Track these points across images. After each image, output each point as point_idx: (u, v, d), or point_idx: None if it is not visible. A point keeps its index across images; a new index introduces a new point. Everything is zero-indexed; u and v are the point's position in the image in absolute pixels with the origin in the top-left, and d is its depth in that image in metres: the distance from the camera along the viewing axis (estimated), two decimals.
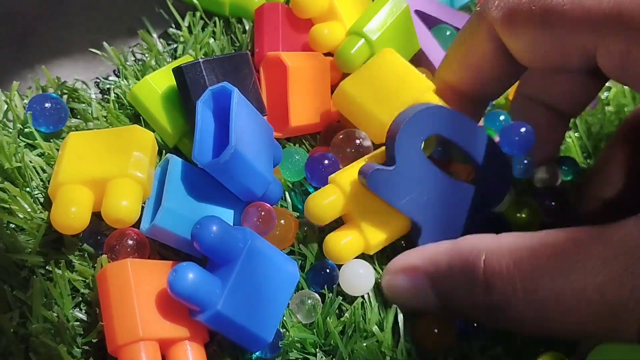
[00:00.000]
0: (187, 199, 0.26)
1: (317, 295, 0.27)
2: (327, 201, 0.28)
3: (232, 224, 0.27)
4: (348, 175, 0.28)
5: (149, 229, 0.25)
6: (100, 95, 0.34)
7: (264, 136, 0.28)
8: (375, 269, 0.28)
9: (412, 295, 0.26)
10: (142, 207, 0.27)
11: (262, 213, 0.26)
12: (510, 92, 0.36)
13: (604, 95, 0.38)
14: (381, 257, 0.29)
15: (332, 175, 0.28)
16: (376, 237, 0.28)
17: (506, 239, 0.24)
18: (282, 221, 0.28)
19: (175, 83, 0.30)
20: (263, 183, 0.27)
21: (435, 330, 0.26)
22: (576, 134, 0.37)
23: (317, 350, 0.27)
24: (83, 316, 0.27)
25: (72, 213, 0.25)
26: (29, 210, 0.28)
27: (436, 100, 0.31)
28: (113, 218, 0.25)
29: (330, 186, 0.28)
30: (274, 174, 0.29)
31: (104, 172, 0.26)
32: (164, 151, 0.31)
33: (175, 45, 0.36)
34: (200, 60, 0.28)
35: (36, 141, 0.30)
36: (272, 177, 0.28)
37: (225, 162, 0.25)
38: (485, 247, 0.24)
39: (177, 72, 0.29)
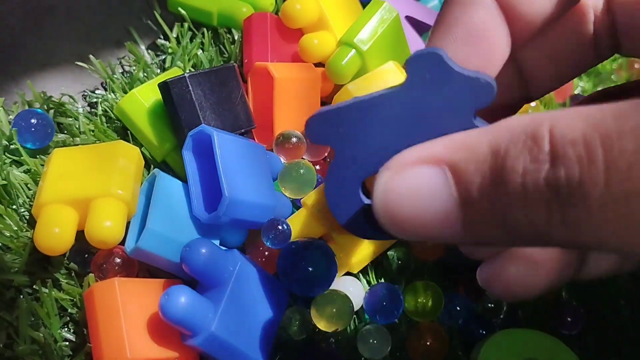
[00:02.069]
0: (173, 218, 0.25)
1: (308, 310, 0.27)
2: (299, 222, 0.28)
3: (218, 243, 0.26)
4: (320, 196, 0.28)
5: (133, 250, 0.25)
6: (88, 109, 0.34)
7: (256, 161, 0.28)
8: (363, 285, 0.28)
9: (421, 199, 0.17)
10: (129, 224, 0.27)
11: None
12: None
13: None
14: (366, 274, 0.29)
15: (304, 198, 0.28)
16: (358, 254, 0.27)
17: (574, 109, 0.16)
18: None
19: (161, 95, 0.29)
20: (267, 211, 0.27)
21: (428, 343, 0.26)
22: None
23: None
24: (71, 336, 0.26)
25: (56, 234, 0.24)
26: (15, 228, 0.28)
27: None
28: (96, 239, 0.24)
29: (302, 210, 0.28)
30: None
31: (88, 191, 0.25)
32: (151, 165, 0.31)
33: (163, 57, 0.36)
34: (186, 74, 0.28)
35: (22, 158, 0.30)
36: (275, 199, 0.28)
37: (224, 214, 0.25)
38: (549, 116, 0.16)
39: (163, 87, 0.28)
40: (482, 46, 0.20)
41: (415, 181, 0.16)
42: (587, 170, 0.14)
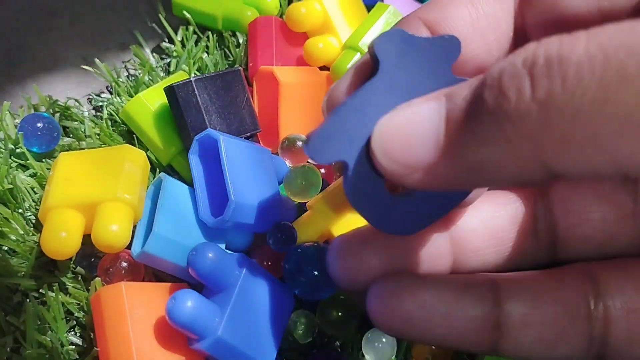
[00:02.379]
0: (179, 222, 0.26)
1: (313, 314, 0.27)
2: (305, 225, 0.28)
3: (224, 247, 0.26)
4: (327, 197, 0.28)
5: (140, 254, 0.25)
6: (93, 112, 0.34)
7: (262, 165, 0.28)
8: None
9: (415, 125, 0.17)
10: (135, 228, 0.27)
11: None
12: None
13: None
14: None
15: (309, 202, 0.28)
16: None
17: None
18: None
19: (167, 99, 0.29)
20: (272, 215, 0.27)
21: (433, 347, 0.26)
22: None
23: None
24: (77, 340, 0.26)
25: (62, 238, 0.24)
26: (22, 232, 0.28)
27: None
28: (103, 244, 0.24)
29: (307, 214, 0.28)
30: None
31: (94, 195, 0.25)
32: (157, 169, 0.31)
33: (168, 60, 0.36)
34: (192, 78, 0.28)
35: (28, 161, 0.30)
36: (281, 203, 0.28)
37: (230, 218, 0.25)
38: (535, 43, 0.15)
39: (169, 91, 0.28)
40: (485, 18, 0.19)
41: (412, 111, 0.17)
42: (567, 40, 0.14)
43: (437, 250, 0.20)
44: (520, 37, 0.20)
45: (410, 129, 0.16)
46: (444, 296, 0.18)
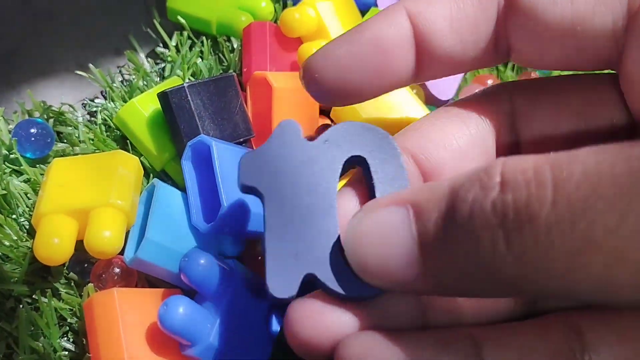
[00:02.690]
0: (172, 228, 0.26)
1: None
2: None
3: (217, 253, 0.26)
4: None
5: (132, 260, 0.25)
6: (87, 117, 0.34)
7: None
8: None
9: (385, 239, 0.16)
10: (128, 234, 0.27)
11: None
12: None
13: None
14: None
15: None
16: None
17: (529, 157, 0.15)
18: None
19: (160, 105, 0.29)
20: None
21: None
22: None
23: None
24: (70, 346, 0.26)
25: (55, 244, 0.24)
26: (15, 238, 0.28)
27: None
28: (95, 250, 0.24)
29: None
30: None
31: (87, 201, 0.25)
32: (151, 175, 0.31)
33: (163, 65, 0.36)
34: (185, 84, 0.28)
35: (22, 167, 0.30)
36: None
37: (223, 224, 0.25)
38: (502, 157, 0.15)
39: (162, 97, 0.28)
40: (381, 59, 0.20)
41: (381, 220, 0.16)
42: (534, 191, 0.14)
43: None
44: (502, 41, 0.20)
45: (380, 242, 0.16)
46: (424, 355, 0.17)
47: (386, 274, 0.16)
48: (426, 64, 0.20)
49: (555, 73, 0.36)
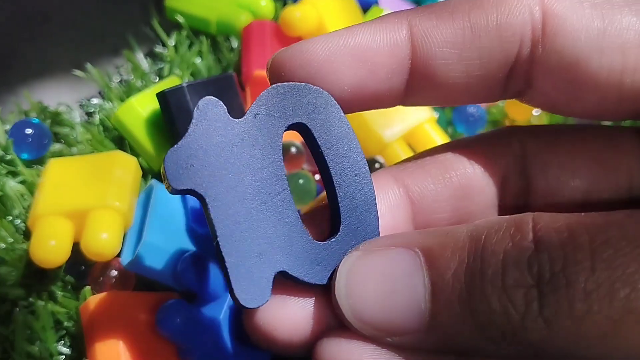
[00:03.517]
0: (170, 230, 0.25)
1: None
2: None
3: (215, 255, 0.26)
4: None
5: (130, 263, 0.24)
6: (85, 117, 0.34)
7: None
8: None
9: (389, 284, 0.15)
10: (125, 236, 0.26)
11: None
12: (511, 111, 0.36)
13: None
14: None
15: (304, 209, 0.28)
16: None
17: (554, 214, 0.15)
18: None
19: (159, 105, 0.29)
20: None
21: None
22: None
23: None
24: (67, 350, 0.26)
25: (51, 246, 0.24)
26: (11, 240, 0.27)
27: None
28: (93, 252, 0.24)
29: None
30: None
31: (84, 202, 0.25)
32: (149, 175, 0.30)
33: (161, 65, 0.36)
34: (184, 84, 0.28)
35: (18, 168, 0.29)
36: None
37: None
38: (529, 214, 0.15)
39: (161, 97, 0.28)
40: (363, 75, 0.17)
41: (385, 262, 0.15)
42: (572, 255, 0.13)
43: None
44: (517, 80, 0.18)
45: (383, 288, 0.15)
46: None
47: (385, 325, 0.15)
48: (418, 91, 0.18)
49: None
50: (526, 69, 0.17)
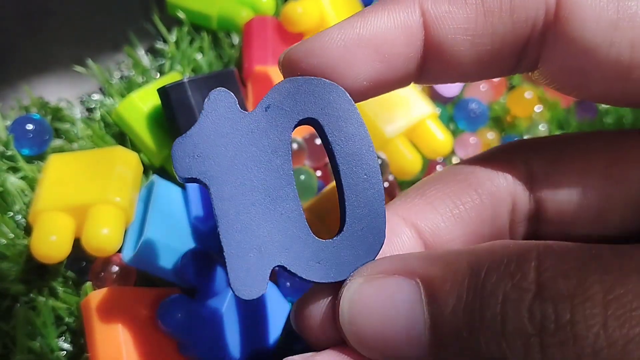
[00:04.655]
0: (171, 225, 0.25)
1: None
2: None
3: (217, 250, 0.26)
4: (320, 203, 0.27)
5: (131, 259, 0.24)
6: (86, 113, 0.34)
7: None
8: None
9: (389, 313, 0.15)
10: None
11: None
12: (512, 107, 0.36)
13: (602, 105, 0.38)
14: None
15: (305, 204, 0.27)
16: None
17: (564, 243, 0.15)
18: None
19: (160, 101, 0.29)
20: None
21: None
22: None
23: None
24: (68, 345, 0.26)
25: (52, 242, 0.24)
26: (12, 236, 0.27)
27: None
28: (93, 247, 0.24)
29: None
30: None
31: (84, 198, 0.25)
32: (150, 171, 0.30)
33: (162, 61, 0.35)
34: (185, 80, 0.28)
35: (18, 164, 0.29)
36: None
37: None
38: (535, 244, 0.14)
39: (162, 92, 0.28)
40: (377, 64, 0.17)
41: (385, 292, 0.15)
42: (581, 307, 0.12)
43: None
44: (528, 61, 0.18)
45: (384, 318, 0.15)
46: None
47: (387, 351, 0.15)
48: (430, 72, 0.18)
49: None
50: (536, 51, 0.18)
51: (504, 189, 0.19)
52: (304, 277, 0.16)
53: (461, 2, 0.17)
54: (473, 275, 0.14)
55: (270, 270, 0.16)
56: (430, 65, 0.18)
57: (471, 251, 0.15)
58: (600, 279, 0.13)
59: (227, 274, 0.15)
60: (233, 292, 0.15)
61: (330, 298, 0.17)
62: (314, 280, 0.16)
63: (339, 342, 0.16)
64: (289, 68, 0.17)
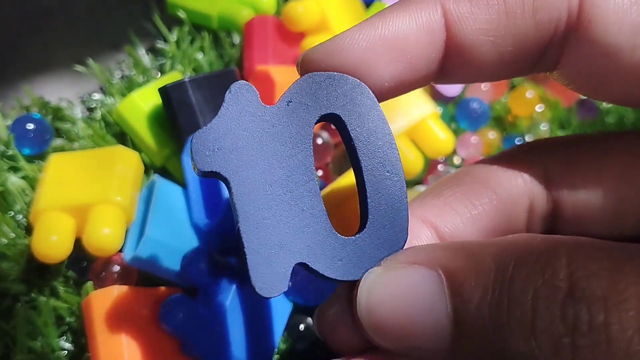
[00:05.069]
0: (173, 225, 0.25)
1: (310, 319, 0.26)
2: None
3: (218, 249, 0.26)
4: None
5: (132, 258, 0.24)
6: (87, 113, 0.34)
7: None
8: None
9: (410, 304, 0.15)
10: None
11: None
12: (514, 106, 0.36)
13: (603, 104, 0.38)
14: None
15: None
16: None
17: (591, 239, 0.14)
18: None
19: (161, 100, 0.29)
20: None
21: None
22: None
23: None
24: (69, 346, 0.26)
25: (53, 242, 0.24)
26: (12, 235, 0.27)
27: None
28: (94, 247, 0.24)
29: None
30: None
31: (85, 198, 0.25)
32: (151, 171, 0.30)
33: (163, 60, 0.35)
34: (186, 79, 0.27)
35: (19, 163, 0.29)
36: None
37: (224, 220, 0.25)
38: (564, 240, 0.14)
39: (163, 92, 0.28)
40: (399, 66, 0.17)
41: (406, 282, 0.15)
42: (615, 308, 0.12)
43: None
44: (549, 61, 0.18)
45: (405, 309, 0.14)
46: None
47: (408, 343, 0.15)
48: (450, 72, 0.18)
49: None
50: (557, 52, 0.17)
51: (522, 189, 0.19)
52: (326, 275, 0.16)
53: (483, 3, 0.17)
54: (499, 269, 0.14)
55: (292, 268, 0.15)
56: (450, 66, 0.18)
57: (495, 243, 0.14)
58: (635, 280, 0.12)
59: (247, 271, 0.15)
60: (254, 290, 0.15)
61: (351, 301, 0.16)
62: (336, 278, 0.16)
63: (364, 346, 0.16)
64: (309, 69, 0.17)
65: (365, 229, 0.16)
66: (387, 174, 0.17)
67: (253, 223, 0.15)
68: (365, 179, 0.17)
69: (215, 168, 0.15)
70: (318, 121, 0.16)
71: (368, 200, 0.17)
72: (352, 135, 0.16)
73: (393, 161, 0.17)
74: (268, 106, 0.16)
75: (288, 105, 0.16)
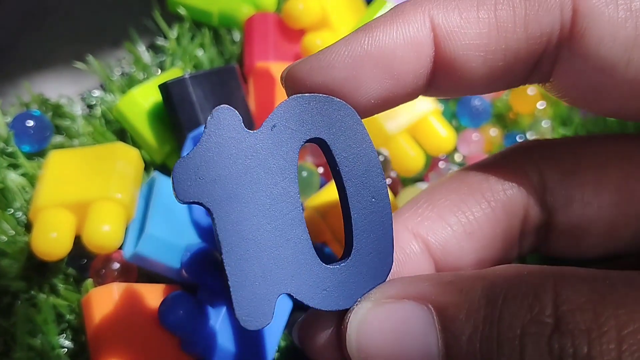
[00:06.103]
0: (173, 222, 0.25)
1: None
2: None
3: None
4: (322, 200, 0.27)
5: (132, 255, 0.24)
6: (87, 110, 0.34)
7: None
8: None
9: (400, 339, 0.15)
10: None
11: None
12: (515, 103, 0.35)
13: None
14: None
15: (307, 201, 0.27)
16: None
17: (577, 269, 0.15)
18: None
19: (161, 97, 0.29)
20: None
21: None
22: None
23: None
24: (69, 343, 0.26)
25: (53, 239, 0.24)
26: (12, 233, 0.27)
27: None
28: (94, 244, 0.24)
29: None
30: None
31: (85, 194, 0.25)
32: (151, 168, 0.30)
33: (163, 57, 0.35)
34: (186, 76, 0.27)
35: (19, 160, 0.29)
36: None
37: None
38: (552, 272, 0.14)
39: (163, 88, 0.28)
40: (386, 83, 0.17)
41: (396, 317, 0.15)
42: (597, 342, 0.13)
43: None
44: (541, 74, 0.17)
45: (394, 345, 0.14)
46: None
47: None
48: (439, 86, 0.18)
49: None
50: (549, 65, 0.17)
51: (518, 201, 0.18)
52: (310, 305, 0.16)
53: (473, 16, 0.16)
54: (489, 304, 0.14)
55: (276, 300, 0.15)
56: (439, 80, 0.17)
57: (484, 276, 0.15)
58: (614, 313, 0.13)
59: (231, 303, 0.15)
60: (239, 323, 0.15)
61: (335, 323, 0.16)
62: (321, 309, 0.16)
63: None
64: (293, 86, 0.17)
65: (350, 257, 0.16)
66: (373, 200, 0.16)
67: (237, 254, 0.15)
68: (350, 205, 0.16)
69: (198, 198, 0.15)
70: (303, 145, 0.16)
71: (353, 227, 0.16)
72: (337, 160, 0.16)
73: (378, 187, 0.16)
74: (251, 131, 0.16)
75: (272, 129, 0.16)
